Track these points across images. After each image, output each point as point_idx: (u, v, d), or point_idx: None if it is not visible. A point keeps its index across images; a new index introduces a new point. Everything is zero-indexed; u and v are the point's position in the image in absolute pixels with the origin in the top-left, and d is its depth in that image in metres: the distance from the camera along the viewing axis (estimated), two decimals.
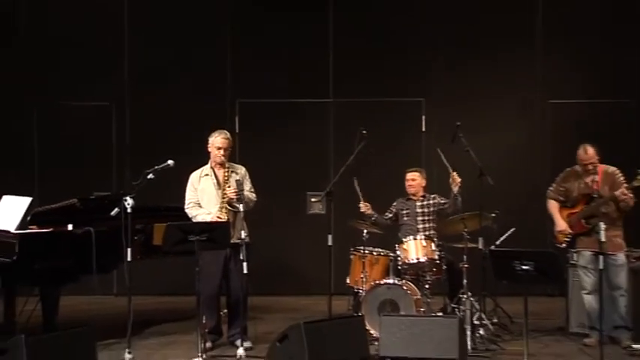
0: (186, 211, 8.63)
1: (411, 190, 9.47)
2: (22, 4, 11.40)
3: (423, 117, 11.29)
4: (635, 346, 8.54)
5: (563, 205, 8.87)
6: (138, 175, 8.39)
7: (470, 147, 8.92)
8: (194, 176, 8.64)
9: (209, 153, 8.53)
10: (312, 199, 9.46)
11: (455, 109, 10.51)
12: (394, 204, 9.61)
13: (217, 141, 8.52)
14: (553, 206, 8.89)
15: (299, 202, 9.61)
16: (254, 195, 8.67)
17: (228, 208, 8.39)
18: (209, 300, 8.49)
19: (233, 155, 10.10)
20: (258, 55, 11.41)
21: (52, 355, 7.18)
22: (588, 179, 8.68)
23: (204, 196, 8.60)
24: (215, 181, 8.57)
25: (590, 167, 8.70)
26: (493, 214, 9.02)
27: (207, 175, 8.61)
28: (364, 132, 8.96)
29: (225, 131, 8.64)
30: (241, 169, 8.79)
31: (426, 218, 9.38)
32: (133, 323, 8.06)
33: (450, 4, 11.41)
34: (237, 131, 11.12)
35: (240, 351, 8.03)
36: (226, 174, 8.56)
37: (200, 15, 11.42)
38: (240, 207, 8.31)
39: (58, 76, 11.34)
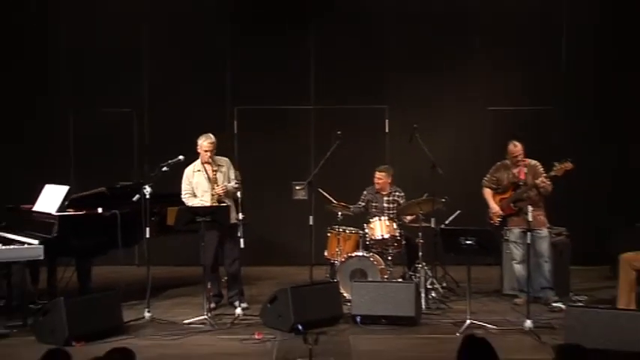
0: (183, 199, 8.67)
1: (377, 187, 9.44)
2: (60, 30, 11.38)
3: (387, 121, 11.29)
4: (554, 304, 8.69)
5: (495, 192, 9.01)
6: (154, 167, 8.54)
7: (424, 145, 8.99)
8: (188, 171, 8.69)
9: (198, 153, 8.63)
10: (297, 187, 9.47)
11: (412, 115, 10.50)
12: (365, 193, 9.56)
13: (204, 145, 8.59)
14: (487, 193, 9.03)
15: (286, 190, 9.63)
16: (237, 182, 8.76)
17: (217, 203, 8.50)
18: (210, 269, 8.58)
19: (232, 153, 10.24)
20: (253, 71, 11.37)
21: (86, 313, 7.32)
22: (515, 170, 8.87)
23: (199, 188, 8.66)
24: (206, 175, 8.62)
25: (518, 159, 8.84)
26: (443, 199, 9.04)
27: (199, 170, 8.66)
28: (339, 133, 9.02)
29: (211, 135, 8.67)
30: (226, 162, 8.85)
31: (391, 211, 9.35)
32: (151, 288, 8.19)
33: (408, 29, 11.38)
34: (235, 132, 11.12)
35: (238, 310, 8.19)
36: (214, 170, 8.63)
37: (205, 38, 11.40)
38: (227, 201, 8.51)
39: (91, 89, 11.31)
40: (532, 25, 11.46)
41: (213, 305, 8.51)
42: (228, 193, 8.63)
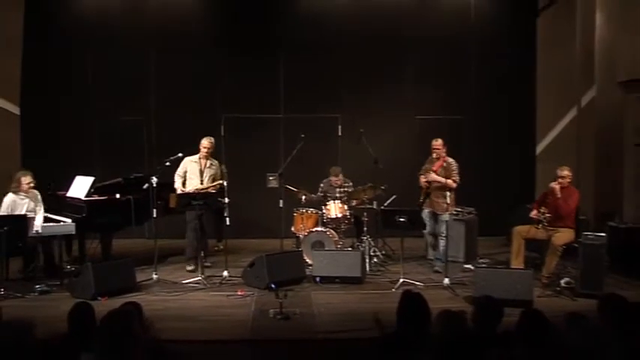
0: (175, 175, 8.82)
1: (333, 184, 9.50)
2: (87, 55, 11.27)
3: (339, 127, 11.28)
4: (465, 265, 8.90)
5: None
6: (159, 163, 8.62)
7: (368, 145, 9.14)
8: (187, 159, 8.81)
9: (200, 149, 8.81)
10: (270, 178, 9.48)
11: (359, 122, 10.52)
12: (321, 185, 9.62)
13: (204, 143, 8.82)
14: (421, 178, 8.94)
15: (262, 180, 9.67)
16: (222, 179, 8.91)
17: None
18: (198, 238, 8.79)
19: (220, 150, 10.22)
20: (237, 88, 11.36)
21: (108, 275, 7.40)
22: (435, 163, 8.84)
23: (191, 174, 8.79)
24: (199, 167, 8.78)
25: (437, 151, 8.84)
26: (382, 187, 9.12)
27: (195, 162, 8.81)
28: (302, 136, 9.13)
29: (212, 138, 8.89)
30: (216, 163, 9.03)
31: (343, 198, 9.40)
32: (157, 256, 8.25)
33: (356, 56, 11.39)
34: (222, 135, 11.05)
35: (225, 273, 8.22)
36: (207, 165, 8.83)
37: (200, 62, 11.32)
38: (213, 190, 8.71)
39: (111, 101, 11.22)
40: (448, 53, 11.53)
41: (208, 264, 8.72)
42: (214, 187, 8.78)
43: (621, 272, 8.24)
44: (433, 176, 8.71)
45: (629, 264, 8.35)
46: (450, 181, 8.62)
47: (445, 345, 3.15)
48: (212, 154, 8.98)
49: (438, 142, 8.90)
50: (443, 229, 8.58)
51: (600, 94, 10.00)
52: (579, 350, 3.15)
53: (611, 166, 9.72)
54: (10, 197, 8.02)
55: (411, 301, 4.19)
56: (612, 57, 9.78)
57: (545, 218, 7.92)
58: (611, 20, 9.79)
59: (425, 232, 9.03)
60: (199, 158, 8.85)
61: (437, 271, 8.58)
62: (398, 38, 11.54)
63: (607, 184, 9.78)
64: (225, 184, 8.55)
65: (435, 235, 8.85)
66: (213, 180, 8.90)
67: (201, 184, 8.80)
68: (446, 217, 8.51)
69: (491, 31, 11.59)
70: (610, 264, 7.80)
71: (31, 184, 8.13)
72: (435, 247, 8.88)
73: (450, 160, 8.84)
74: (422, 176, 9.00)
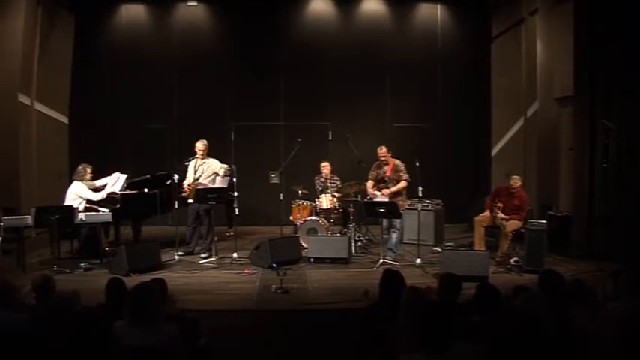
0: None
1: (323, 173, 9.42)
2: (118, 72, 11.29)
3: (330, 132, 11.26)
4: (434, 248, 8.86)
5: (375, 183, 8.45)
6: (180, 163, 8.61)
7: (354, 148, 9.16)
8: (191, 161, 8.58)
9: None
10: (272, 175, 9.49)
11: (345, 128, 10.59)
12: (316, 179, 9.56)
13: (197, 146, 8.48)
14: (369, 183, 8.48)
15: (265, 177, 9.69)
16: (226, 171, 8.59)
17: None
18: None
19: (230, 153, 10.23)
20: (244, 100, 11.39)
21: (138, 256, 7.40)
22: (385, 168, 8.33)
23: (189, 172, 8.56)
24: (194, 166, 8.53)
25: (383, 159, 8.28)
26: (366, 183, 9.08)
27: (193, 161, 8.52)
28: (299, 140, 9.15)
29: (204, 141, 8.55)
30: (212, 161, 8.60)
31: (333, 189, 9.29)
32: (178, 240, 8.26)
33: (344, 73, 11.44)
34: (232, 140, 11.08)
35: (235, 254, 8.16)
36: (199, 164, 8.49)
37: (213, 79, 11.36)
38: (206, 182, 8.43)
39: (141, 111, 11.30)
40: (419, 73, 11.61)
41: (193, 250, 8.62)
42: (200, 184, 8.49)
43: (557, 252, 8.34)
44: (390, 191, 8.15)
45: (563, 245, 8.48)
46: (402, 184, 8.22)
47: (411, 313, 3.21)
48: (206, 154, 8.59)
49: (382, 151, 8.29)
50: (397, 223, 8.23)
51: (541, 107, 10.12)
52: (523, 314, 3.23)
53: (550, 166, 9.83)
54: (81, 184, 8.15)
55: (391, 276, 4.22)
56: (549, 77, 9.91)
57: (502, 221, 7.93)
58: (548, 48, 9.93)
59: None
60: (196, 158, 8.54)
61: (387, 260, 7.90)
62: (379, 60, 11.63)
63: (547, 181, 9.88)
64: (234, 180, 8.51)
65: (389, 229, 8.31)
66: (212, 177, 8.59)
67: (192, 180, 8.54)
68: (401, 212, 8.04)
69: (455, 55, 11.70)
70: (549, 245, 7.87)
71: (92, 176, 8.27)
72: (388, 240, 8.30)
73: (397, 162, 8.34)
74: (370, 181, 8.41)
